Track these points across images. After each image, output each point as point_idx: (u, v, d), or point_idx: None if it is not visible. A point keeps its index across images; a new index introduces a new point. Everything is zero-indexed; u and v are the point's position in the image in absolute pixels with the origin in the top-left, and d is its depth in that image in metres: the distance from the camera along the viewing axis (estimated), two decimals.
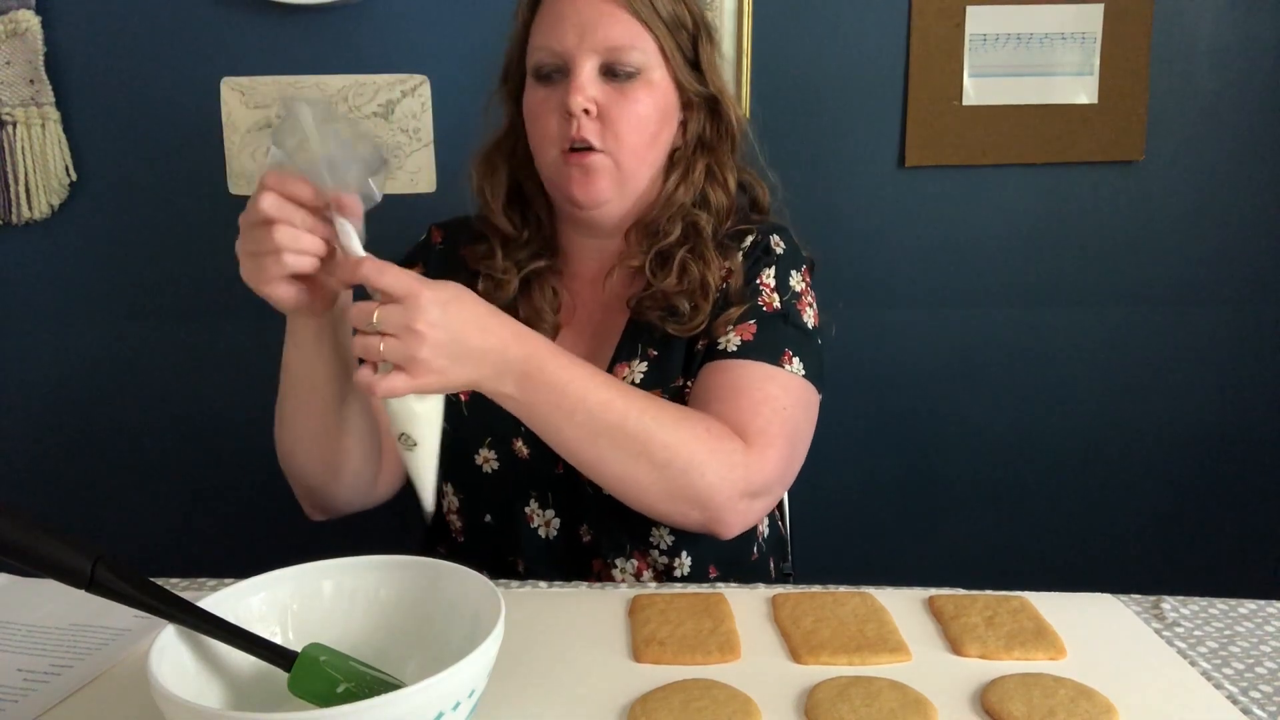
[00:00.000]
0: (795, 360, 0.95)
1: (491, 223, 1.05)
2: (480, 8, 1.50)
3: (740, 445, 0.88)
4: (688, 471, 0.84)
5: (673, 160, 1.03)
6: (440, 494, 1.06)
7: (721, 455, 0.86)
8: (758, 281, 1.00)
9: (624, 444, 0.83)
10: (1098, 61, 1.55)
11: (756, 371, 0.94)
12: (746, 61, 1.55)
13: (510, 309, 1.02)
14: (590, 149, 0.95)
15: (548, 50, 0.96)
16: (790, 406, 0.93)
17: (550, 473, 1.00)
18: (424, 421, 0.76)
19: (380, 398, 0.74)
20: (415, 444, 0.75)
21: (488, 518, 1.03)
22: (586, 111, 0.94)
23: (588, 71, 0.94)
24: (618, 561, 1.00)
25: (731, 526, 0.89)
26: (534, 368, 0.80)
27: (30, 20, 1.51)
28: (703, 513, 0.87)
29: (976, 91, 1.56)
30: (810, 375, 0.96)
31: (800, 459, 0.96)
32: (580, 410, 0.82)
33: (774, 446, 0.90)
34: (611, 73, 0.95)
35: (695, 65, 1.01)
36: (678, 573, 1.01)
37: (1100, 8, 1.53)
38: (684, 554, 1.01)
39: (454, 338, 0.74)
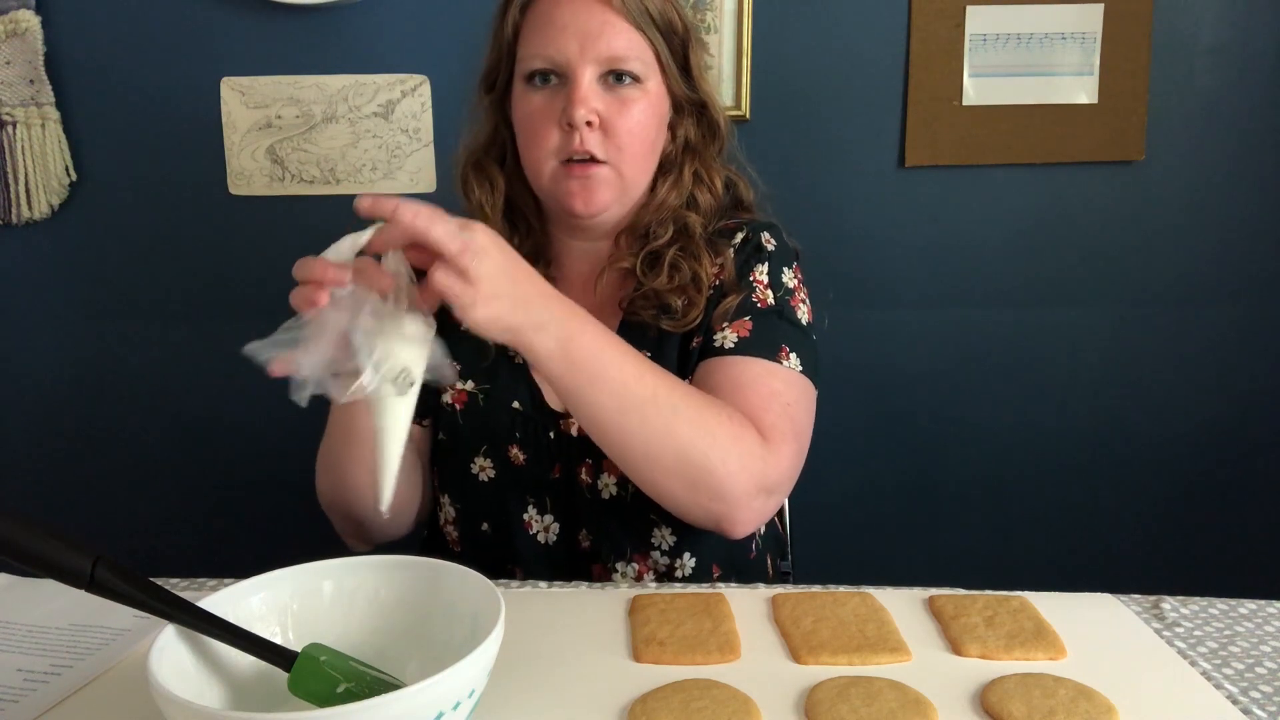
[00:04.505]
0: (793, 356, 0.95)
1: None
2: (480, 8, 1.49)
3: (759, 438, 0.87)
4: (709, 455, 0.83)
5: (662, 164, 1.02)
6: (437, 504, 1.06)
7: (743, 444, 0.85)
8: (750, 278, 0.99)
9: (654, 417, 0.81)
10: (1098, 61, 1.55)
11: (758, 367, 0.93)
12: (746, 61, 1.55)
13: None
14: (592, 160, 0.94)
15: (545, 58, 0.94)
16: (794, 402, 0.93)
17: (547, 477, 1.00)
18: (425, 353, 0.71)
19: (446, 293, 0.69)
20: (413, 382, 0.69)
21: (485, 526, 1.02)
22: (589, 123, 0.92)
23: (589, 81, 0.93)
24: (618, 565, 1.00)
25: (744, 523, 0.88)
26: (577, 327, 0.79)
27: (30, 20, 1.52)
28: (719, 504, 0.85)
29: (976, 91, 1.56)
30: (807, 371, 0.96)
31: (805, 456, 0.95)
32: (618, 378, 0.80)
33: (786, 443, 0.89)
34: (610, 82, 0.94)
35: (686, 71, 1.01)
36: (679, 574, 1.01)
37: (1100, 8, 1.54)
38: (686, 555, 1.00)
39: (508, 271, 0.74)
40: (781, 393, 0.92)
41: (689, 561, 1.01)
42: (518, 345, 0.77)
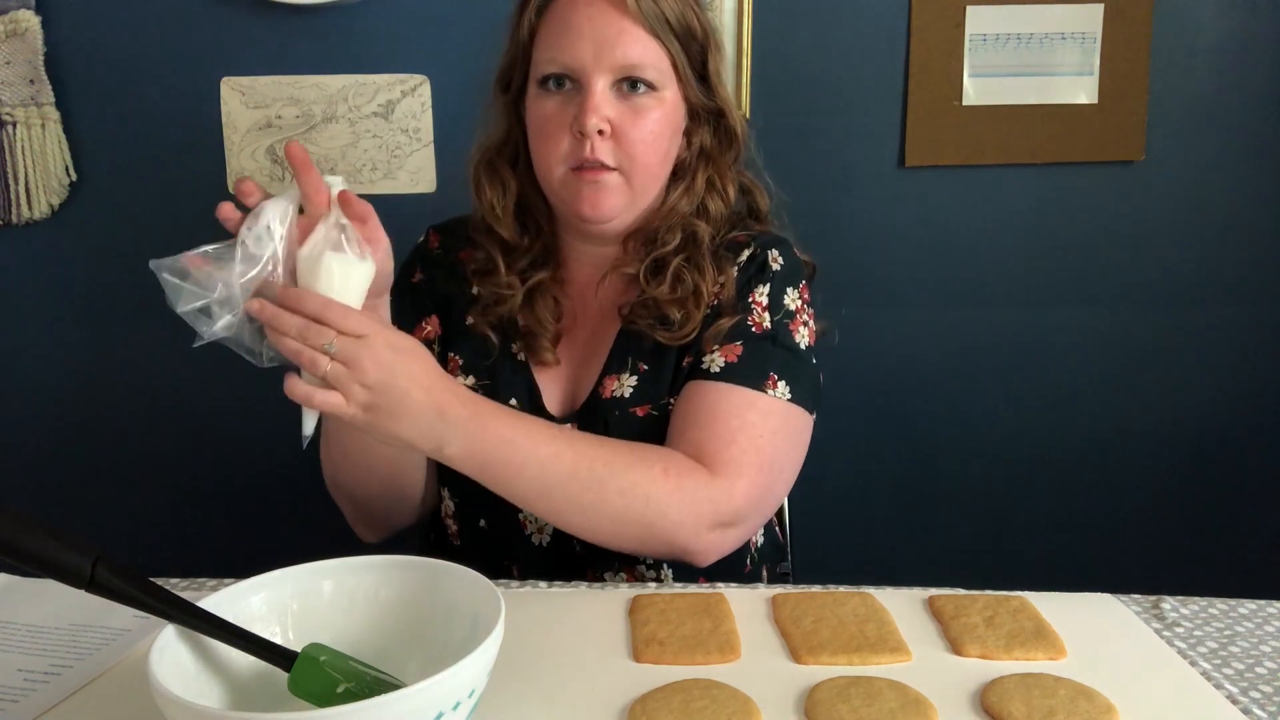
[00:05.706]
0: (781, 384, 0.93)
1: (494, 231, 1.02)
2: (480, 8, 1.50)
3: (705, 477, 0.87)
4: (646, 513, 0.83)
5: (675, 171, 1.01)
6: (438, 497, 1.07)
7: (684, 491, 0.85)
8: (750, 299, 0.98)
9: (578, 495, 0.83)
10: (1098, 61, 1.55)
11: (736, 398, 0.92)
12: (746, 62, 1.55)
13: (511, 320, 1.02)
14: (602, 166, 0.93)
15: (560, 64, 0.93)
16: (770, 434, 0.91)
17: None
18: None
19: (316, 409, 0.76)
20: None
21: (482, 522, 1.02)
22: (601, 132, 0.92)
23: (602, 89, 0.92)
24: (606, 575, 1.00)
25: (703, 557, 0.88)
26: (478, 428, 0.79)
27: (30, 20, 1.51)
28: (671, 548, 0.87)
29: (976, 91, 1.56)
30: (799, 398, 0.94)
31: (783, 485, 0.95)
32: (531, 463, 0.81)
33: (745, 476, 0.88)
34: (624, 89, 0.93)
35: (704, 78, 0.99)
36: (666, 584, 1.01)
37: (1100, 8, 1.54)
38: (664, 566, 1.00)
39: (395, 385, 0.75)
40: (756, 424, 0.91)
41: (668, 574, 1.00)
42: (425, 454, 0.81)
